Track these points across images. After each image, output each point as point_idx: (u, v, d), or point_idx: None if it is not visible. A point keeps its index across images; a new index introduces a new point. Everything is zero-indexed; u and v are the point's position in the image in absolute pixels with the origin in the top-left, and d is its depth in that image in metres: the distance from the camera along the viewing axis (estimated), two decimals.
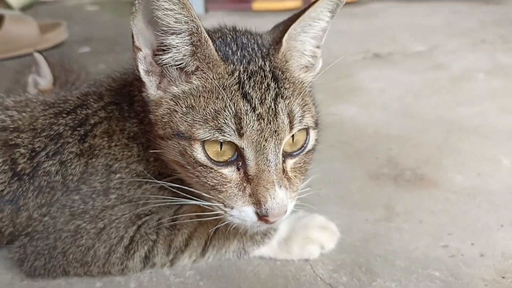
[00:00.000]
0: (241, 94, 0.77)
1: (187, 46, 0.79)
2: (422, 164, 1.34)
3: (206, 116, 0.77)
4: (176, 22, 0.77)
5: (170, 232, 0.91)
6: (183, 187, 0.85)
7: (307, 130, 0.84)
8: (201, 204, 0.84)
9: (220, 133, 0.76)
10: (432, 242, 1.02)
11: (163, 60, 0.81)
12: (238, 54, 0.82)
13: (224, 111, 0.76)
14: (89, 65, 1.92)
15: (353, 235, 1.04)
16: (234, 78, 0.79)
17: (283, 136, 0.78)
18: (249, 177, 0.78)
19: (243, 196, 0.79)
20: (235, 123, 0.76)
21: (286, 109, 0.79)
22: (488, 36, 2.66)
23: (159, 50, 0.81)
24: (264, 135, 0.76)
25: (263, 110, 0.77)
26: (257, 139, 0.76)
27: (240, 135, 0.76)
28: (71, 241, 0.87)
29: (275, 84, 0.80)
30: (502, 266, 0.95)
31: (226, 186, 0.79)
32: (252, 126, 0.76)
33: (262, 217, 0.78)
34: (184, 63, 0.81)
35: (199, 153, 0.78)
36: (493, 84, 1.96)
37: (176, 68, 0.82)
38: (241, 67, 0.80)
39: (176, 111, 0.81)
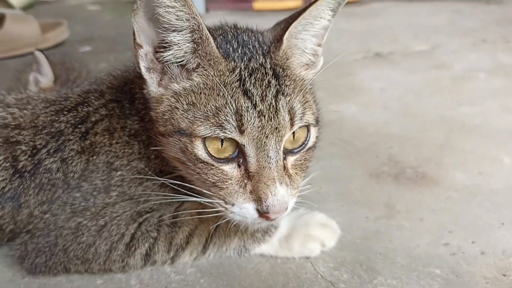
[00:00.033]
0: (242, 91, 0.77)
1: (188, 43, 0.79)
2: (423, 162, 1.34)
3: (207, 113, 0.77)
4: (177, 20, 0.76)
5: (171, 230, 0.91)
6: (184, 184, 0.85)
7: (308, 127, 0.84)
8: (202, 201, 0.84)
9: (221, 130, 0.76)
10: (433, 240, 1.02)
11: (164, 57, 0.81)
12: (239, 51, 0.82)
13: (225, 108, 0.76)
14: (90, 64, 1.92)
15: (354, 232, 1.04)
16: (235, 75, 0.79)
17: (284, 133, 0.78)
18: (250, 174, 0.78)
19: (244, 193, 0.79)
20: (236, 120, 0.76)
21: (287, 106, 0.79)
22: (490, 36, 2.66)
23: (160, 47, 0.81)
24: (265, 132, 0.76)
25: (264, 107, 0.77)
26: (258, 136, 0.76)
27: (241, 132, 0.76)
28: (72, 238, 0.87)
29: (276, 81, 0.80)
30: (503, 264, 0.95)
31: (227, 183, 0.79)
32: (253, 123, 0.76)
33: (263, 214, 0.78)
34: (185, 60, 0.81)
35: (200, 150, 0.78)
36: (494, 84, 1.95)
37: (177, 65, 0.82)
38: (242, 64, 0.80)
39: (177, 108, 0.81)
